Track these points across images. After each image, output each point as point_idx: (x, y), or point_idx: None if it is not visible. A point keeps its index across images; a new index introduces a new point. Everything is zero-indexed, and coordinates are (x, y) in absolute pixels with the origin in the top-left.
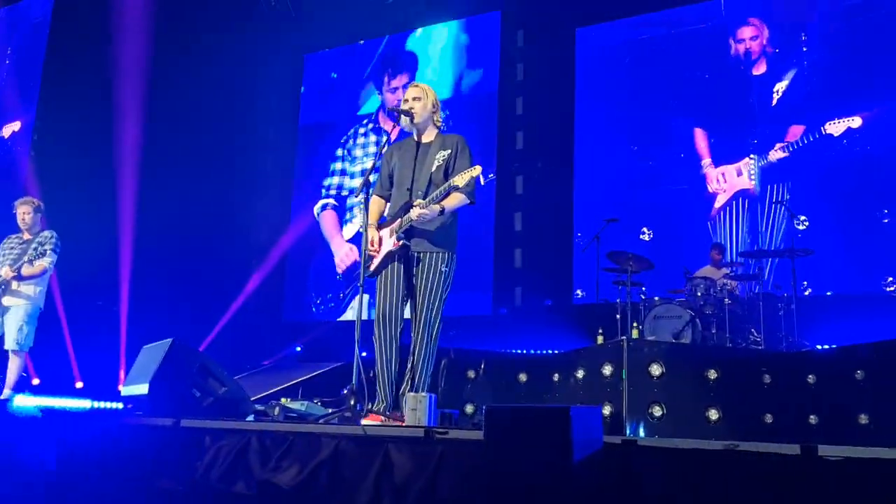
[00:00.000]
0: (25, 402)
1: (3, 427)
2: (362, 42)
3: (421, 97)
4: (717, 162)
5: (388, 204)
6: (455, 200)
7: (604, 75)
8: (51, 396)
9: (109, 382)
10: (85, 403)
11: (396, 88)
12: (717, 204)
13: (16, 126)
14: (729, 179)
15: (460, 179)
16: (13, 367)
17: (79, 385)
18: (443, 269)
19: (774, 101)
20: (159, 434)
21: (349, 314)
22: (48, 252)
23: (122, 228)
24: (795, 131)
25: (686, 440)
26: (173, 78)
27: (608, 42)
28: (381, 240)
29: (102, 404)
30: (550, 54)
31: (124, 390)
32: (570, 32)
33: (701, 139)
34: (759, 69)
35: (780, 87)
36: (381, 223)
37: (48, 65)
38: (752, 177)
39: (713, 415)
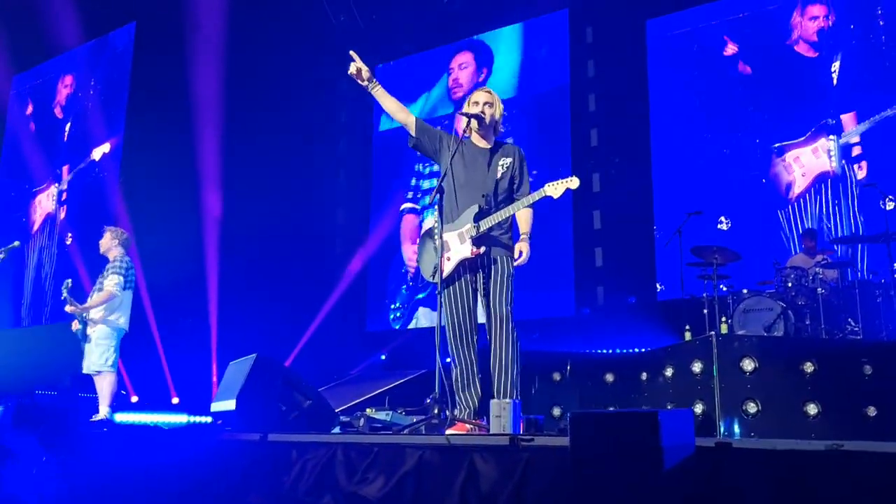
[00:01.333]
0: (127, 419)
1: (105, 442)
2: (431, 49)
3: (492, 104)
4: (789, 146)
5: (445, 203)
6: (530, 220)
7: (676, 65)
8: (149, 412)
9: (203, 397)
10: (181, 418)
11: (464, 65)
12: (797, 189)
13: (106, 148)
14: (806, 163)
15: (554, 190)
16: (100, 388)
17: (175, 401)
18: (511, 270)
19: (835, 80)
20: (247, 449)
21: (419, 321)
22: (110, 275)
23: (207, 247)
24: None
25: (784, 441)
26: (250, 96)
27: (679, 31)
28: (447, 244)
29: (197, 419)
30: (621, 48)
31: (213, 406)
32: (641, 25)
33: None
34: (819, 49)
35: (836, 66)
36: (445, 228)
37: (133, 91)
38: (833, 157)
39: (811, 409)
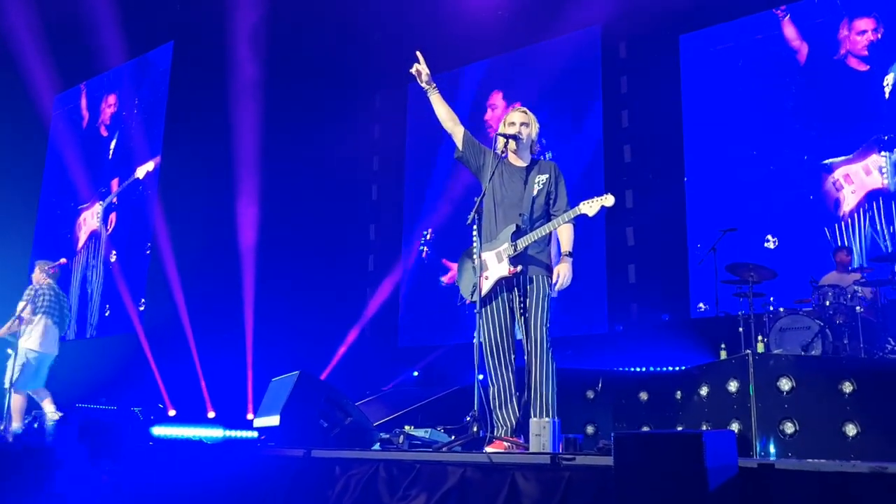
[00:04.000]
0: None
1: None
2: (460, 68)
3: (529, 123)
4: (838, 164)
5: (483, 222)
6: (571, 237)
7: (711, 81)
8: (186, 426)
9: (238, 411)
10: (217, 433)
11: (495, 106)
12: (847, 206)
13: (150, 166)
14: (856, 180)
15: (589, 208)
16: (10, 404)
17: (211, 415)
18: (548, 290)
19: (887, 94)
20: (292, 464)
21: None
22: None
23: (244, 262)
24: None
25: (828, 462)
26: (286, 112)
27: (713, 47)
28: (485, 263)
29: (233, 433)
30: (654, 64)
31: (256, 422)
32: (674, 40)
33: None
34: (870, 63)
35: (889, 79)
36: (484, 247)
37: (171, 109)
38: (885, 174)
39: (850, 430)
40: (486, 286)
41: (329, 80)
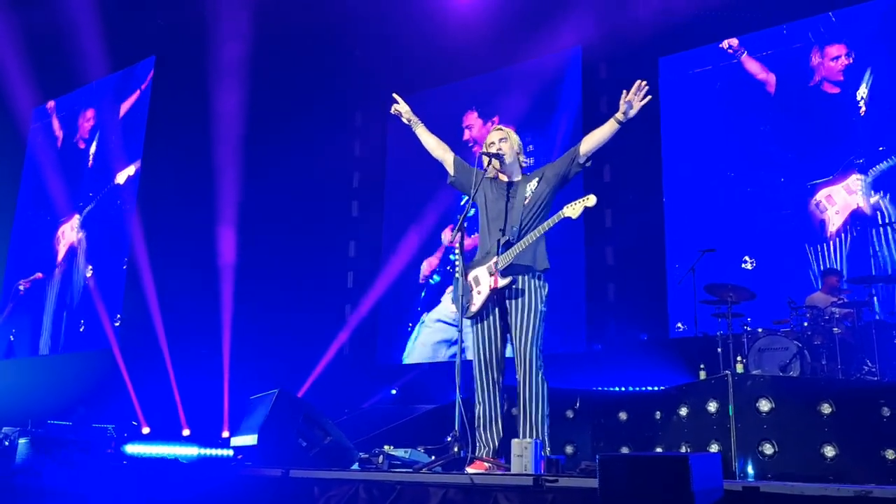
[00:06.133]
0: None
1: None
2: (444, 86)
3: (506, 138)
4: (820, 185)
5: (479, 239)
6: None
7: (690, 103)
8: (161, 444)
9: (214, 430)
10: (192, 451)
11: (471, 126)
12: (833, 227)
13: (130, 171)
14: (839, 200)
15: (572, 211)
16: None
17: (186, 433)
18: (541, 307)
19: (863, 110)
20: (270, 484)
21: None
22: None
23: (222, 278)
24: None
25: (812, 485)
26: (267, 126)
27: (692, 69)
28: (477, 279)
29: (208, 451)
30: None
31: (234, 441)
32: (654, 62)
33: None
34: (843, 86)
35: (862, 93)
36: (472, 261)
37: (151, 122)
38: (862, 195)
39: (829, 451)
40: (478, 301)
41: (310, 96)
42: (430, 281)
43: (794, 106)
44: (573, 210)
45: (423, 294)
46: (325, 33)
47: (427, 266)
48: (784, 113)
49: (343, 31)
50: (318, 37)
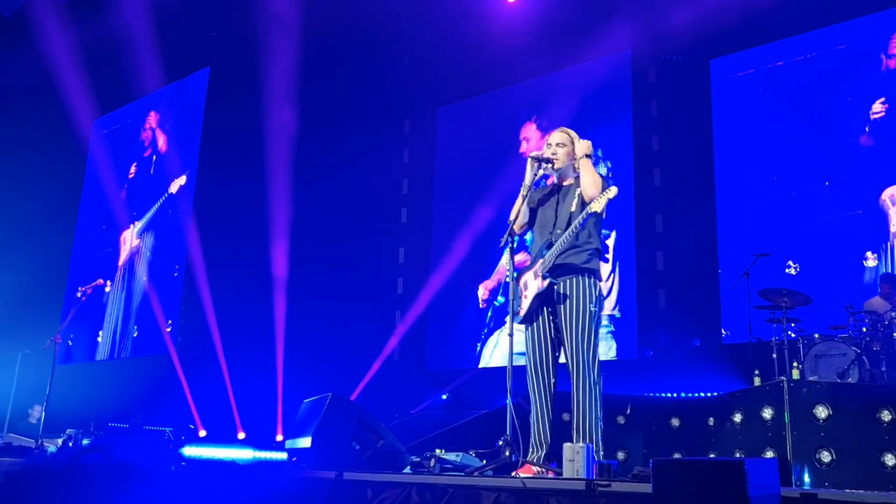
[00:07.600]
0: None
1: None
2: (493, 91)
3: (566, 143)
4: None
5: (532, 245)
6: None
7: (742, 105)
8: (217, 446)
9: (268, 433)
10: (247, 454)
11: (528, 139)
12: (894, 227)
13: (182, 181)
14: None
15: (597, 205)
16: None
17: (241, 436)
18: (593, 309)
19: None
20: (324, 486)
21: (486, 360)
22: None
23: (275, 285)
24: None
25: (872, 493)
26: (319, 135)
27: (744, 71)
28: (526, 284)
29: (263, 454)
30: (684, 88)
31: (288, 443)
32: (705, 64)
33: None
34: None
35: None
36: (524, 269)
37: (206, 134)
38: None
39: (890, 460)
40: (525, 305)
41: (360, 105)
42: (495, 303)
43: (845, 105)
44: (598, 204)
45: (488, 316)
46: (373, 42)
47: (483, 290)
48: (832, 112)
49: (392, 39)
50: (368, 46)
